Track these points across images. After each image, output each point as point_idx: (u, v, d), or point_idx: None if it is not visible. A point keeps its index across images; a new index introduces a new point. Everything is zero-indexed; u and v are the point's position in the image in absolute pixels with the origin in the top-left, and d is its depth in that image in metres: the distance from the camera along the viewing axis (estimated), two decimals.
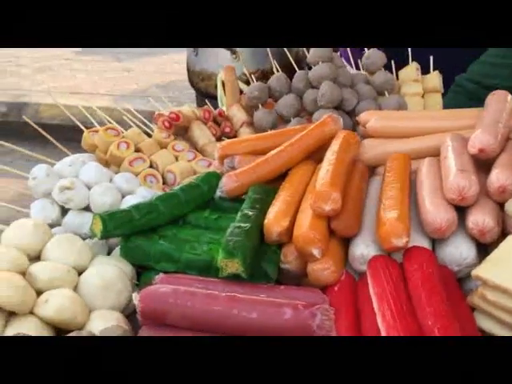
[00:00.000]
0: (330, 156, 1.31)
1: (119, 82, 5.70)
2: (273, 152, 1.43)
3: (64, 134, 1.73)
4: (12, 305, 1.00)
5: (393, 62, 1.82)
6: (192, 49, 2.73)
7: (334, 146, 1.35)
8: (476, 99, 1.55)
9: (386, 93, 1.73)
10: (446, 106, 1.73)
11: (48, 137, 1.57)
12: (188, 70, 3.02)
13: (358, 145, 1.44)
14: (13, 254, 1.11)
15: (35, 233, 1.19)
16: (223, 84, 2.21)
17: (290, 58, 1.88)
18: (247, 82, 2.14)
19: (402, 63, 1.83)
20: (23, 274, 1.09)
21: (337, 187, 1.19)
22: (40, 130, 1.55)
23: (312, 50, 1.80)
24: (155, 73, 5.91)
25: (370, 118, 1.55)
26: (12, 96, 5.39)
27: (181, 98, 2.06)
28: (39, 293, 1.08)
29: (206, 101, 2.05)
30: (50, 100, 5.16)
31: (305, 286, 1.18)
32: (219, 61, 2.49)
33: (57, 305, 1.03)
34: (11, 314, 1.04)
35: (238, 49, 2.48)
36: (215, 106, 2.04)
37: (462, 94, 1.80)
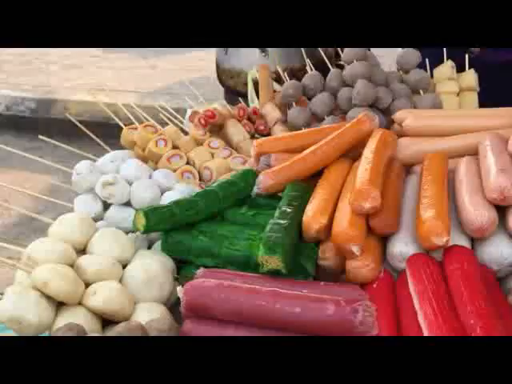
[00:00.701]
0: (368, 154, 1.32)
1: (145, 79, 5.77)
2: (309, 150, 1.44)
3: (91, 131, 1.78)
4: (63, 295, 1.04)
5: (427, 60, 1.81)
6: None
7: (372, 144, 1.35)
8: None
9: (421, 91, 1.73)
10: None
11: (91, 135, 1.62)
12: (217, 67, 3.04)
13: (395, 143, 1.44)
14: (61, 246, 1.15)
15: (81, 226, 1.23)
16: (254, 82, 2.24)
17: (324, 56, 1.89)
18: (276, 80, 2.16)
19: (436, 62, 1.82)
20: (71, 266, 1.13)
21: (376, 185, 1.20)
22: (83, 127, 1.60)
23: (346, 48, 1.81)
24: (180, 70, 5.96)
25: (406, 117, 1.55)
26: (41, 92, 5.50)
27: (206, 96, 2.09)
28: (86, 285, 1.11)
29: (240, 99, 2.07)
30: (77, 97, 5.25)
31: (342, 282, 1.20)
32: (249, 59, 2.51)
33: (105, 296, 1.06)
34: (60, 305, 1.08)
35: None
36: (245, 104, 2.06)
37: None
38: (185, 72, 5.97)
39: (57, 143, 1.61)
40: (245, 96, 2.22)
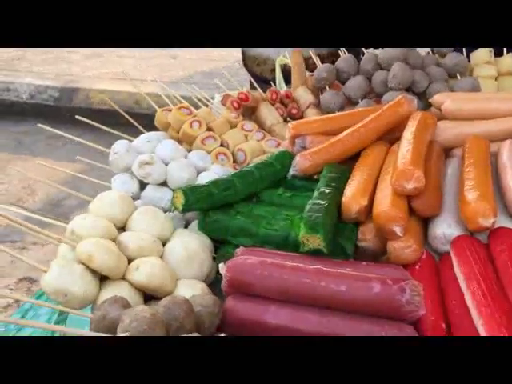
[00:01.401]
0: (409, 135, 1.30)
1: (166, 69, 5.78)
2: (346, 132, 1.42)
3: (114, 119, 1.77)
4: (107, 269, 1.05)
5: None
6: None
7: (412, 126, 1.33)
8: None
9: (458, 75, 1.70)
10: None
11: (126, 116, 1.62)
12: (243, 54, 3.04)
13: (435, 125, 1.42)
14: (104, 222, 1.15)
15: (121, 204, 1.23)
16: (282, 67, 2.22)
17: None
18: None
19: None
20: (113, 241, 1.13)
21: (419, 166, 1.18)
22: (126, 115, 1.60)
23: None
24: (200, 60, 5.96)
25: (445, 100, 1.52)
26: (63, 81, 5.54)
27: (231, 85, 2.07)
28: (128, 260, 1.12)
29: (271, 83, 2.06)
30: (100, 86, 5.28)
31: (385, 263, 1.18)
32: None
33: (148, 272, 1.06)
34: (104, 280, 1.08)
35: None
36: None
37: None
38: (205, 62, 5.97)
39: (93, 123, 1.61)
40: (270, 82, 2.20)
